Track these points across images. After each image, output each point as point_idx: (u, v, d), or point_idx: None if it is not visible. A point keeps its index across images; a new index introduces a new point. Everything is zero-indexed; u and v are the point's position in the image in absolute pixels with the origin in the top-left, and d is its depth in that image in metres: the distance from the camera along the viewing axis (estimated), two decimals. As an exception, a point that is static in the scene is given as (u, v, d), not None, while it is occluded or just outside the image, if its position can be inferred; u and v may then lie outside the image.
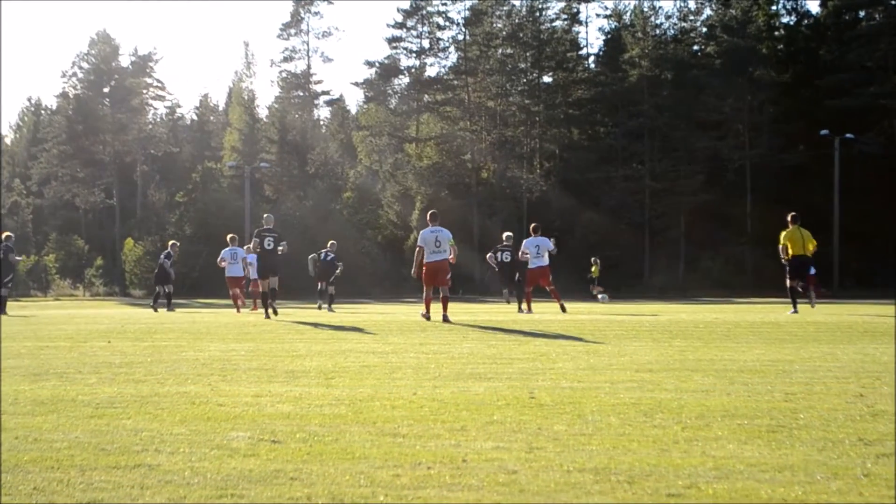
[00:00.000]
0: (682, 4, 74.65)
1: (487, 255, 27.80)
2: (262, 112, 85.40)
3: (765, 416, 6.72)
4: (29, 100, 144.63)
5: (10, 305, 29.81)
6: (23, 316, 26.67)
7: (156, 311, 30.17)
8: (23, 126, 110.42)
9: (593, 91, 72.12)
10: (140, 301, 55.25)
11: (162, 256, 31.95)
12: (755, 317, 20.29)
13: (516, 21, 72.71)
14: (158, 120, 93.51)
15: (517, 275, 25.98)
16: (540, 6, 73.42)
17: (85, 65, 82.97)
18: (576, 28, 77.03)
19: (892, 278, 51.66)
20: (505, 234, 27.54)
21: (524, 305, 25.00)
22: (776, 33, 71.62)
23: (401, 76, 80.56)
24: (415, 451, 5.57)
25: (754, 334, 14.43)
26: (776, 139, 65.65)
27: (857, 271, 59.48)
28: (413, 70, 79.07)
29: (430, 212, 21.25)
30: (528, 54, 72.48)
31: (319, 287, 31.46)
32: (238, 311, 28.30)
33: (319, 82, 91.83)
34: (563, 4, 75.03)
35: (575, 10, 75.85)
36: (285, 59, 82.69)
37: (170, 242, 34.08)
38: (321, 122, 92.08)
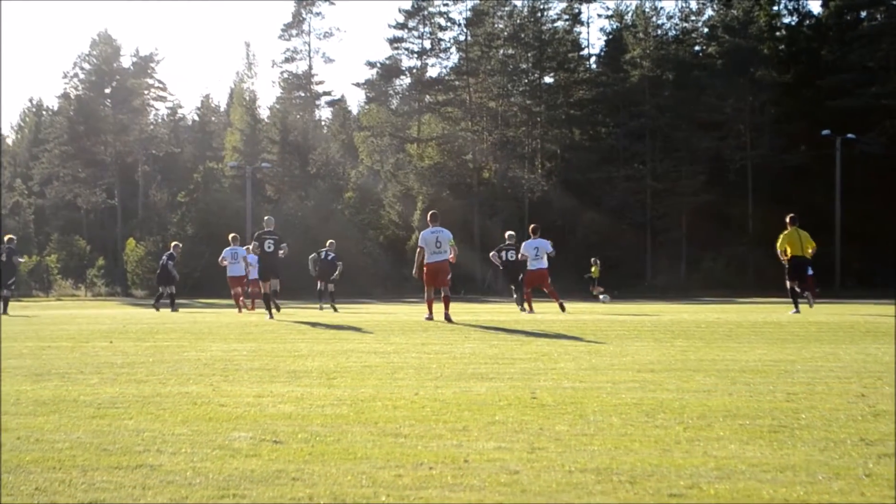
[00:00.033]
0: (684, 5, 74.85)
1: (491, 254, 27.78)
2: (264, 112, 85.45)
3: (767, 416, 6.72)
4: (30, 100, 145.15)
5: (12, 305, 29.87)
6: (24, 316, 26.69)
7: (157, 310, 30.29)
8: (24, 126, 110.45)
9: (595, 91, 72.11)
10: (142, 301, 55.24)
11: (165, 258, 31.97)
12: (757, 317, 20.29)
13: (518, 21, 72.71)
14: (160, 120, 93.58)
15: (521, 274, 25.99)
16: (541, 7, 73.44)
17: (86, 65, 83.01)
18: (577, 28, 77.10)
19: (893, 278, 51.62)
20: (507, 234, 27.55)
21: (525, 305, 25.00)
22: (778, 34, 71.58)
23: (402, 77, 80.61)
24: (417, 452, 5.57)
25: (756, 334, 14.42)
26: (778, 139, 65.62)
27: (858, 271, 59.45)
28: (414, 70, 79.10)
29: (430, 212, 21.25)
30: (529, 55, 72.49)
31: (319, 287, 31.45)
32: (240, 311, 28.32)
33: (321, 83, 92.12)
34: (564, 5, 75.11)
35: (576, 10, 75.90)
36: (287, 60, 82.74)
37: (172, 244, 34.13)
38: (322, 123, 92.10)
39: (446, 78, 77.18)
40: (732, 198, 65.78)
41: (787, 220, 23.35)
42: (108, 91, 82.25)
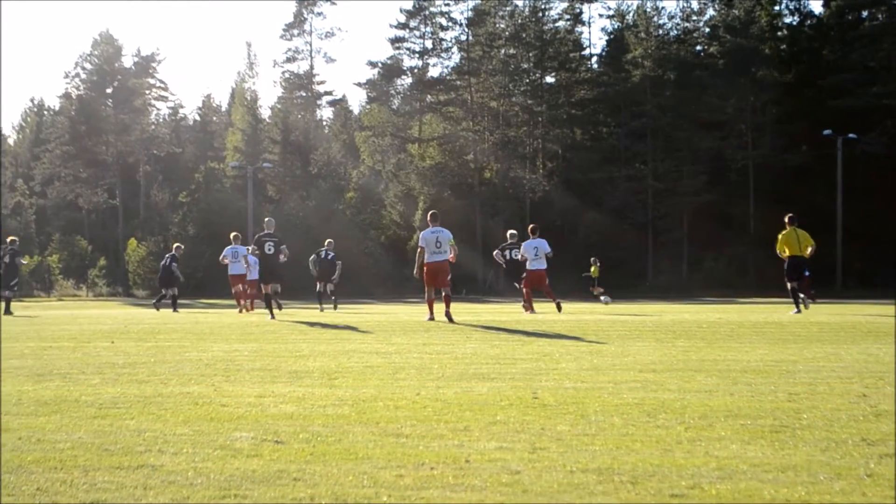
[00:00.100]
0: (685, 5, 75.09)
1: (494, 253, 27.79)
2: (265, 112, 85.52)
3: (768, 416, 6.72)
4: (32, 100, 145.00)
5: (14, 306, 29.90)
6: (26, 316, 26.71)
7: (157, 310, 30.37)
8: (26, 127, 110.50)
9: (596, 91, 72.14)
10: (143, 301, 55.25)
11: (167, 259, 31.99)
12: (758, 317, 20.28)
13: (519, 21, 72.72)
14: (161, 120, 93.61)
15: (524, 273, 26.00)
16: (543, 6, 73.44)
17: (88, 65, 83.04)
18: (579, 28, 77.17)
19: (894, 278, 51.65)
20: (509, 233, 27.53)
21: (527, 305, 25.00)
22: (779, 33, 71.58)
23: (404, 76, 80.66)
24: (418, 452, 5.58)
25: (757, 334, 14.42)
26: (779, 139, 65.64)
27: (859, 271, 59.43)
28: (416, 70, 79.11)
29: (430, 212, 21.24)
30: (530, 54, 72.50)
31: (319, 289, 31.43)
32: (240, 311, 28.36)
33: (322, 83, 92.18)
34: (565, 5, 75.15)
35: (578, 10, 75.97)
36: (288, 60, 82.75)
37: (174, 245, 34.25)
38: (324, 123, 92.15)
39: (448, 78, 77.19)
40: (734, 198, 65.78)
41: (786, 219, 23.36)
42: (109, 91, 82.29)
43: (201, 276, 58.77)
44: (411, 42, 78.27)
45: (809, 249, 23.02)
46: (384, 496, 4.60)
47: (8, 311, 28.28)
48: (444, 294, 19.61)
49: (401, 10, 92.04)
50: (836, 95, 63.30)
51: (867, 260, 59.22)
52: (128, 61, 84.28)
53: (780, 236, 23.36)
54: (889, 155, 61.59)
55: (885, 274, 54.92)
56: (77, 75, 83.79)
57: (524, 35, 72.08)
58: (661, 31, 72.23)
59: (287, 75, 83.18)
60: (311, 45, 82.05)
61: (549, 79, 74.88)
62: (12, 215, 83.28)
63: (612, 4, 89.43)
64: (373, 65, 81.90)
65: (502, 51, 73.15)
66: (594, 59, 78.49)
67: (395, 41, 78.03)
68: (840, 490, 4.65)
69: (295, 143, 77.38)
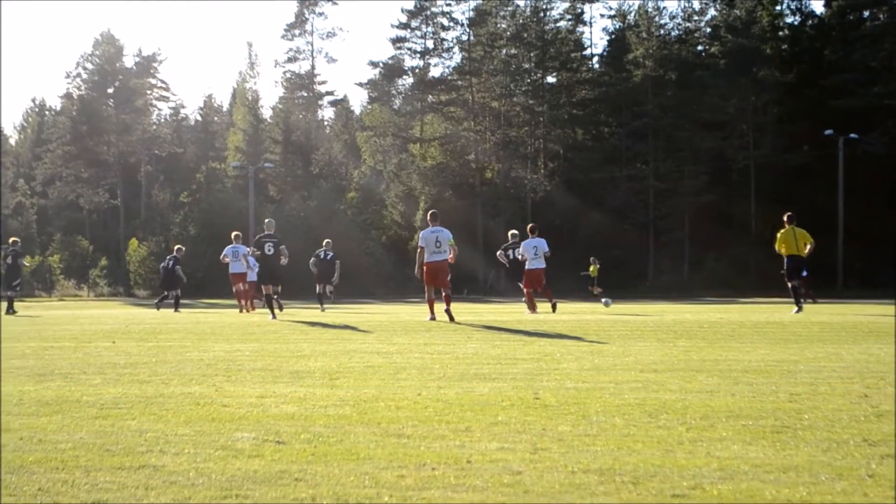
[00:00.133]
0: (687, 5, 75.05)
1: (498, 253, 27.82)
2: (267, 112, 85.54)
3: (769, 416, 6.72)
4: (33, 100, 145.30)
5: (16, 305, 29.93)
6: (27, 316, 26.73)
7: (158, 309, 30.42)
8: (27, 127, 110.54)
9: (597, 91, 72.12)
10: (144, 301, 55.28)
11: (170, 262, 31.98)
12: (759, 317, 20.28)
13: (520, 21, 72.68)
14: (162, 120, 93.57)
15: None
16: (544, 6, 73.42)
17: (89, 65, 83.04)
18: (580, 28, 77.14)
19: (894, 278, 51.67)
20: (511, 233, 27.55)
21: (528, 305, 25.01)
22: (780, 33, 71.57)
23: (405, 77, 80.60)
24: (419, 452, 5.58)
25: (759, 334, 14.41)
26: (780, 139, 65.62)
27: (860, 271, 59.40)
28: (417, 70, 79.07)
29: (430, 212, 21.26)
30: (532, 55, 72.47)
31: (318, 290, 31.44)
32: (241, 310, 28.41)
33: (324, 83, 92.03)
34: (567, 5, 75.13)
35: (579, 10, 75.95)
36: (289, 60, 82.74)
37: (175, 246, 34.34)
38: (325, 123, 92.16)
39: (449, 78, 77.19)
40: (735, 198, 65.79)
41: (785, 218, 23.41)
42: (110, 91, 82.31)
43: (202, 277, 58.75)
44: (412, 42, 78.33)
45: (808, 247, 23.04)
46: (386, 496, 4.60)
47: (11, 311, 28.43)
48: (444, 294, 19.64)
49: (402, 10, 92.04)
50: (838, 95, 63.27)
51: (868, 260, 59.19)
52: (129, 61, 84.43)
53: (778, 235, 23.45)
54: (890, 155, 61.54)
55: (886, 274, 54.89)
56: (78, 75, 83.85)
57: (525, 35, 72.04)
58: (662, 31, 72.19)
59: (288, 75, 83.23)
60: (312, 45, 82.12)
61: (551, 79, 74.89)
62: (13, 215, 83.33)
63: (614, 4, 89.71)
64: (374, 65, 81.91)
65: (503, 51, 73.10)
66: (595, 59, 78.52)
67: (397, 41, 78.05)
68: (841, 490, 4.65)
69: (296, 144, 77.38)
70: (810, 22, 72.72)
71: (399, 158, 74.67)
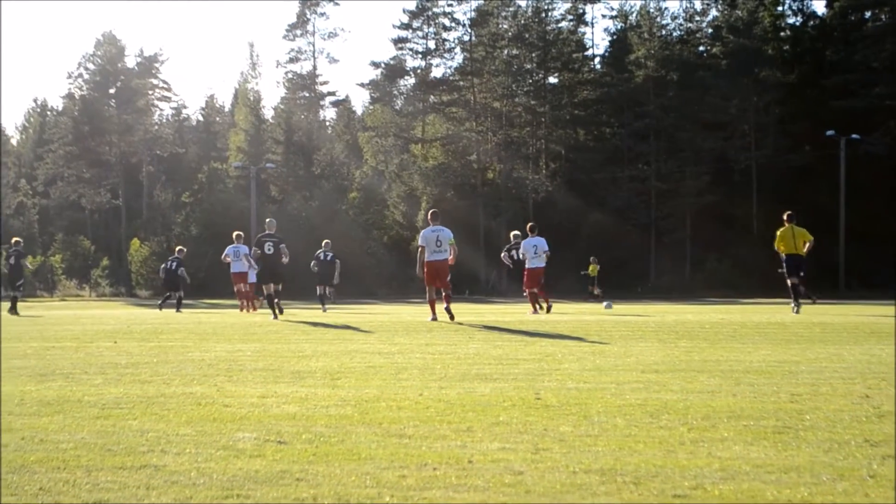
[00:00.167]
0: (688, 5, 74.91)
1: (502, 255, 27.88)
2: (268, 113, 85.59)
3: (771, 417, 6.72)
4: (35, 101, 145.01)
5: (18, 305, 29.95)
6: (29, 316, 26.75)
7: (161, 310, 30.43)
8: (29, 127, 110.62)
9: (599, 92, 72.10)
10: (146, 301, 55.34)
11: (174, 264, 31.97)
12: (761, 317, 20.27)
13: (522, 22, 72.64)
14: (164, 121, 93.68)
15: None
16: (546, 7, 73.37)
17: (91, 66, 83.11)
18: (581, 29, 77.13)
19: (895, 278, 51.67)
20: (512, 234, 27.60)
21: (530, 306, 25.04)
22: (782, 34, 71.55)
23: (406, 77, 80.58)
24: (421, 452, 5.58)
25: (760, 335, 14.41)
26: (782, 140, 65.63)
27: (862, 272, 59.35)
28: (419, 71, 79.07)
29: (431, 211, 21.30)
30: (533, 55, 72.44)
31: (320, 292, 31.49)
32: (242, 310, 28.45)
33: (325, 83, 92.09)
34: (568, 5, 75.06)
35: (581, 10, 75.88)
36: (291, 60, 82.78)
37: (177, 248, 34.39)
38: (327, 123, 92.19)
39: (451, 78, 77.19)
40: (737, 198, 65.78)
41: (785, 217, 23.48)
42: (112, 91, 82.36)
43: (204, 277, 58.78)
44: (414, 42, 78.32)
45: (806, 245, 23.11)
46: (387, 497, 4.60)
47: (14, 311, 28.47)
48: (444, 293, 19.68)
49: (404, 11, 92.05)
50: (839, 96, 63.26)
51: (869, 260, 59.16)
52: (131, 62, 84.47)
53: (777, 233, 23.57)
54: (892, 156, 61.57)
55: (887, 274, 54.89)
56: (80, 76, 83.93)
57: (527, 35, 72.00)
58: (664, 32, 72.14)
59: (290, 76, 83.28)
60: (314, 45, 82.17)
61: (552, 79, 74.89)
62: (15, 215, 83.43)
63: (615, 5, 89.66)
64: (376, 65, 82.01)
65: (505, 51, 73.05)
66: (597, 59, 78.53)
67: (398, 41, 78.07)
68: (843, 491, 4.65)
69: (298, 144, 77.41)
70: (812, 22, 72.69)
71: (401, 159, 74.68)
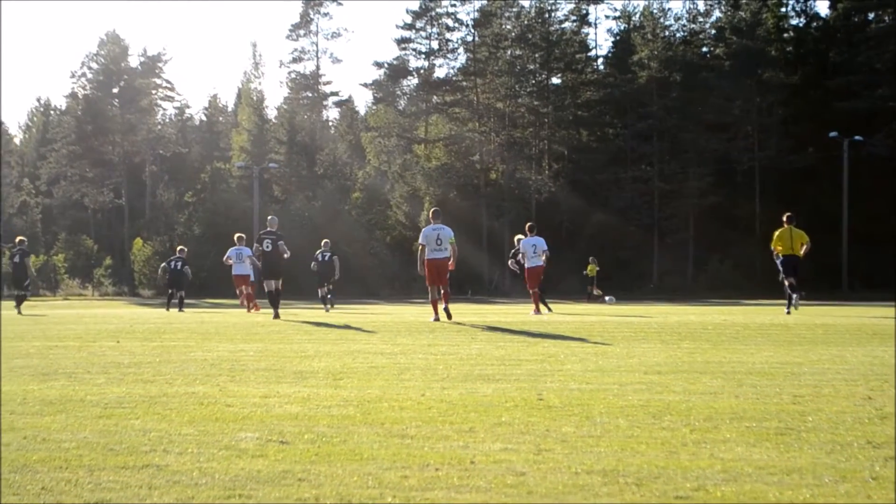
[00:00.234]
0: (692, 6, 74.75)
1: (509, 262, 27.97)
2: (271, 113, 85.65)
3: (773, 418, 6.71)
4: (38, 100, 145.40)
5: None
6: (32, 315, 26.76)
7: (168, 310, 30.47)
8: (32, 126, 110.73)
9: (602, 92, 72.09)
10: (149, 301, 55.36)
11: (179, 263, 31.93)
12: (764, 318, 20.27)
13: (525, 22, 72.62)
14: (167, 120, 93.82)
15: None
16: (549, 7, 73.38)
17: (94, 65, 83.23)
18: (585, 29, 77.26)
19: (894, 279, 51.70)
20: (516, 238, 27.62)
21: (540, 306, 25.04)
22: (785, 35, 71.55)
23: (410, 77, 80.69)
24: (423, 453, 5.57)
25: (763, 336, 14.40)
26: (785, 141, 65.61)
27: (864, 273, 59.33)
28: (422, 71, 79.13)
29: (432, 209, 21.35)
30: (536, 56, 72.44)
31: (321, 292, 31.51)
32: (248, 310, 28.46)
33: (328, 83, 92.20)
34: (572, 6, 75.10)
35: (584, 11, 75.96)
36: (294, 60, 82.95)
37: (179, 247, 34.42)
38: (330, 123, 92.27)
39: (454, 79, 77.25)
40: (740, 199, 65.83)
41: (784, 218, 23.52)
42: (115, 91, 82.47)
43: (206, 276, 58.82)
44: (417, 43, 78.41)
45: (804, 248, 23.16)
46: (389, 497, 4.60)
47: (18, 310, 28.53)
48: (443, 292, 19.71)
49: (407, 11, 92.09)
50: (843, 97, 63.27)
51: (872, 261, 59.14)
52: (134, 61, 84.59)
53: (775, 234, 23.63)
54: (894, 157, 61.56)
55: (889, 275, 54.82)
56: (83, 75, 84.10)
57: (530, 36, 72.01)
58: (667, 33, 72.15)
59: (293, 76, 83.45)
60: (317, 45, 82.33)
61: (556, 80, 74.89)
62: (18, 214, 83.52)
63: (619, 6, 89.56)
64: (379, 65, 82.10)
65: (508, 52, 73.04)
66: (600, 60, 78.57)
67: (402, 42, 78.15)
68: (845, 493, 4.64)
69: (301, 144, 77.44)
70: (815, 24, 72.72)
71: (403, 159, 74.70)
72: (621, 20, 77.24)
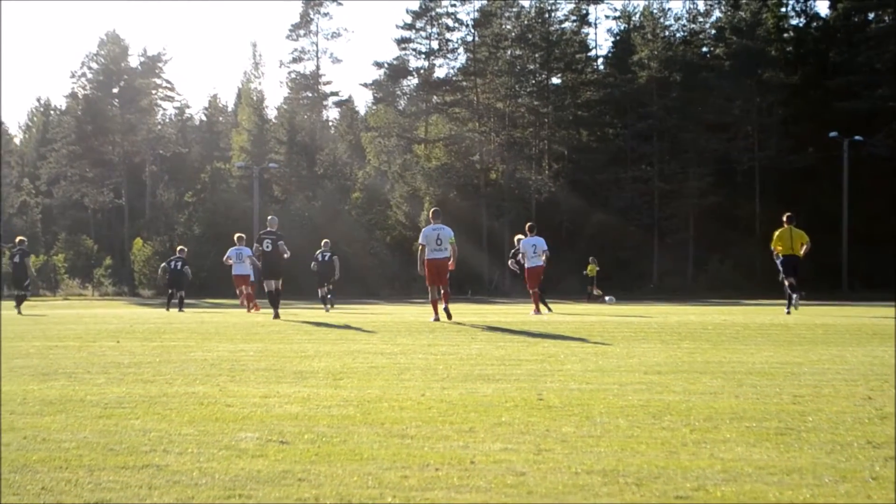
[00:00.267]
0: (692, 6, 74.74)
1: (509, 262, 27.94)
2: (271, 113, 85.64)
3: (773, 418, 6.71)
4: (38, 100, 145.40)
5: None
6: (32, 315, 26.76)
7: (168, 310, 30.47)
8: (32, 126, 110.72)
9: (602, 92, 72.08)
10: (149, 301, 55.34)
11: (180, 263, 31.91)
12: (764, 318, 20.27)
13: (525, 22, 72.61)
14: (167, 120, 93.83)
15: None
16: (549, 7, 73.38)
17: (94, 65, 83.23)
18: (585, 29, 77.26)
19: (894, 279, 51.71)
20: (516, 238, 27.63)
21: (540, 306, 25.04)
22: (785, 35, 71.54)
23: (410, 77, 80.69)
24: (423, 453, 5.57)
25: (763, 336, 14.40)
26: (785, 141, 65.61)
27: (864, 273, 59.33)
28: (422, 71, 79.13)
29: (432, 209, 21.36)
30: (536, 56, 72.43)
31: (321, 292, 31.52)
32: (248, 310, 28.46)
33: (328, 83, 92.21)
34: (572, 6, 75.09)
35: (584, 11, 75.96)
36: (294, 60, 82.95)
37: (178, 248, 34.43)
38: (330, 123, 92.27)
39: (454, 79, 77.24)
40: (740, 199, 65.84)
41: (784, 218, 23.54)
42: (115, 91, 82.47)
43: (206, 276, 58.82)
44: (417, 43, 78.41)
45: (804, 248, 23.18)
46: (389, 497, 4.59)
47: (18, 310, 28.54)
48: (443, 292, 19.72)
49: (407, 11, 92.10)
50: (843, 97, 63.28)
51: (872, 261, 59.15)
52: (134, 61, 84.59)
53: (775, 234, 23.66)
54: (894, 157, 61.55)
55: (889, 275, 54.82)
56: (83, 75, 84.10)
57: (530, 36, 72.00)
58: (667, 33, 72.14)
59: (293, 76, 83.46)
60: (317, 45, 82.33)
61: (556, 80, 74.88)
62: (18, 214, 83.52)
63: (619, 6, 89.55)
64: (379, 65, 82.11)
65: (508, 52, 73.03)
66: (600, 60, 78.55)
67: (402, 42, 78.14)
68: (845, 493, 4.64)
69: (301, 144, 77.44)
70: (815, 24, 72.72)
71: (404, 159, 74.69)
72: (621, 20, 77.28)
